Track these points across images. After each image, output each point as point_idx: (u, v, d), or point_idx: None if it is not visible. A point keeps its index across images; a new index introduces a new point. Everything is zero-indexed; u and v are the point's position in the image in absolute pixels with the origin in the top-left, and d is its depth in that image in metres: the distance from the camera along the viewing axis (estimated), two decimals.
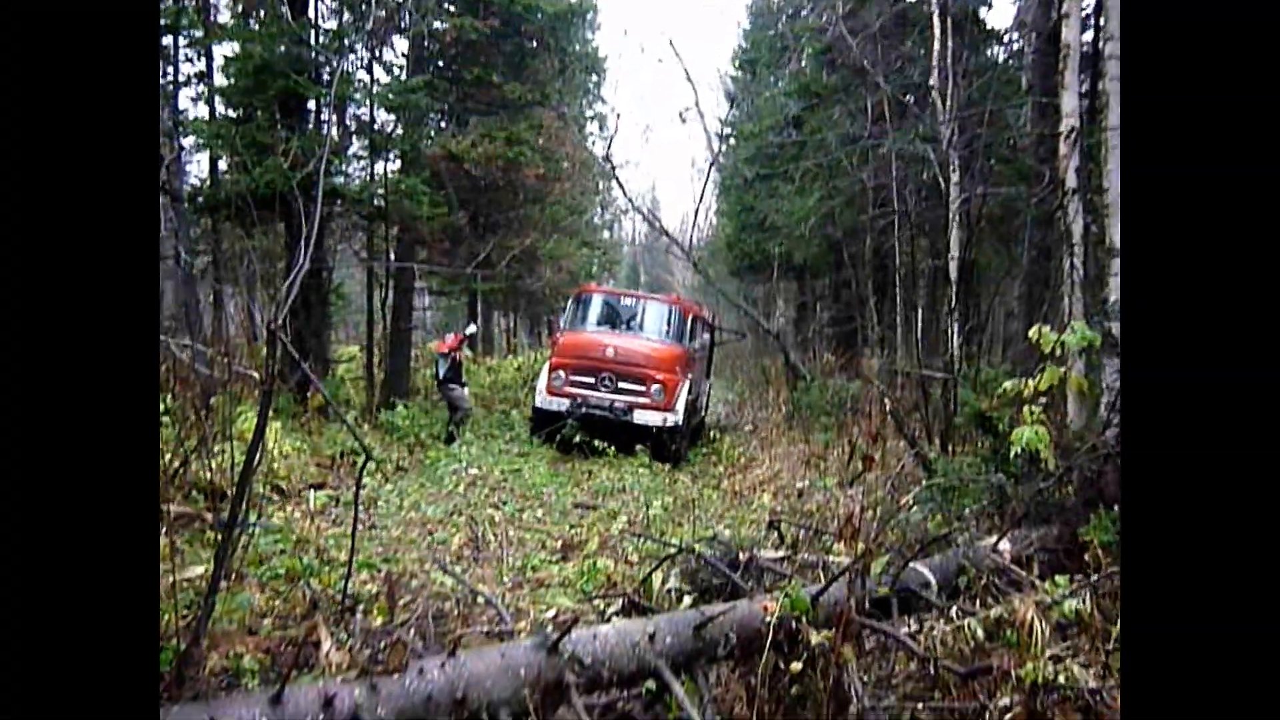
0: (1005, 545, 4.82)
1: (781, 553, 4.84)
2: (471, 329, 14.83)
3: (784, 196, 16.77)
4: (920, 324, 15.25)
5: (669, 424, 12.60)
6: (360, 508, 8.38)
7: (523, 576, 6.61)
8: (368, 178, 13.60)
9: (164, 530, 6.31)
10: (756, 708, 3.15)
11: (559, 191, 18.23)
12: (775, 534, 5.68)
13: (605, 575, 6.23)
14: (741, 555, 4.23)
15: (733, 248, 24.12)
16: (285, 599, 5.12)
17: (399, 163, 14.54)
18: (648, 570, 5.13)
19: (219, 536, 3.54)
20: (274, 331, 3.46)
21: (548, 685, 3.11)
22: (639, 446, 12.27)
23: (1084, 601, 3.52)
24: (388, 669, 3.01)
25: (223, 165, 14.85)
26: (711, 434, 15.83)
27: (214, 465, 6.26)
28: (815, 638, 3.09)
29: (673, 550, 4.79)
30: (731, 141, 23.90)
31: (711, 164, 19.36)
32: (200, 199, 14.11)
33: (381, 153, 14.07)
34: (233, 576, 5.43)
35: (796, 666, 3.22)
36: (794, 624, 3.32)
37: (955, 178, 11.99)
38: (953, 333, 11.54)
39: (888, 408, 9.16)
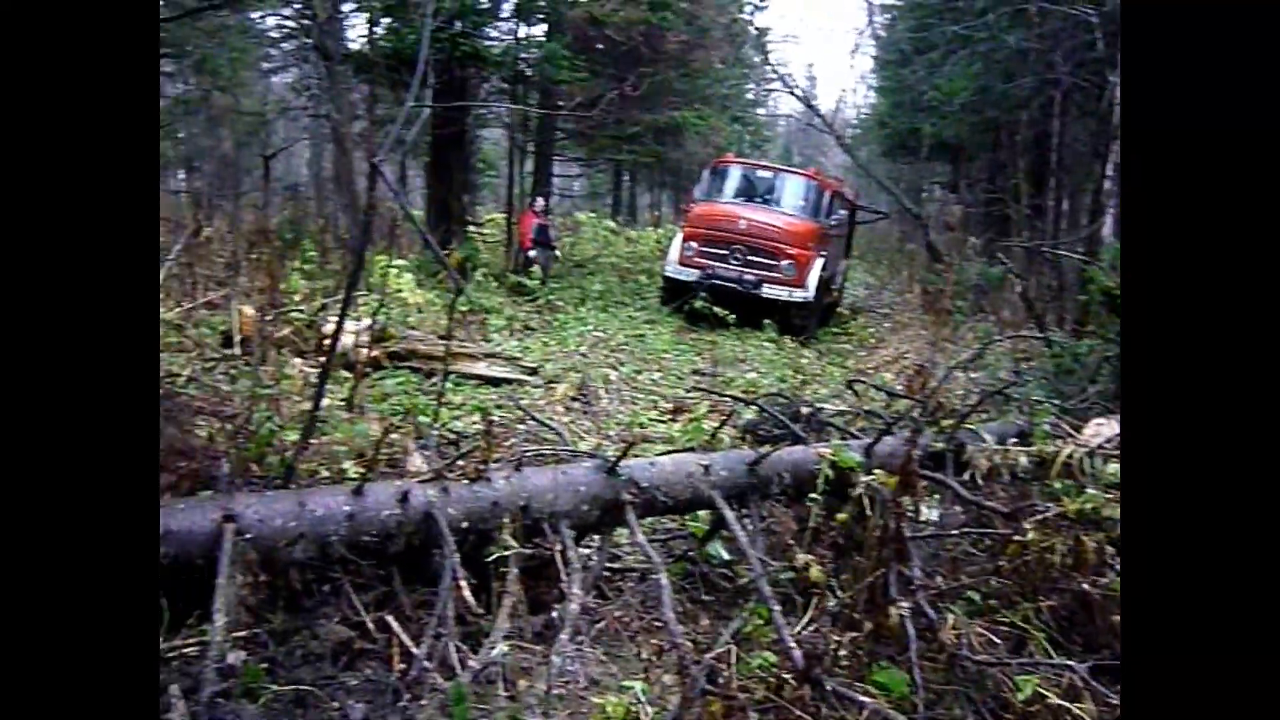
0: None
1: (843, 407, 4.91)
2: (540, 202, 14.99)
3: (942, 73, 15.93)
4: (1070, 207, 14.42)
5: (798, 299, 12.52)
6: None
7: (629, 431, 6.86)
8: (512, 41, 13.68)
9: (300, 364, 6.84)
10: (805, 542, 3.28)
11: (703, 60, 17.80)
12: (850, 393, 5.74)
13: (710, 434, 6.40)
14: (803, 410, 4.32)
15: (885, 126, 23.21)
16: (399, 431, 5.54)
17: (544, 27, 14.51)
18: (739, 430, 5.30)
19: (322, 370, 3.88)
20: (375, 166, 3.66)
21: (606, 503, 3.33)
22: (766, 321, 12.27)
23: None
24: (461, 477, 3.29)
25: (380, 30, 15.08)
26: (845, 314, 15.66)
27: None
28: (862, 482, 3.18)
29: (740, 401, 4.94)
30: (895, 12, 22.75)
31: (862, 33, 18.48)
32: (352, 61, 14.36)
33: (527, 16, 14.09)
34: (353, 409, 5.91)
35: (842, 517, 3.34)
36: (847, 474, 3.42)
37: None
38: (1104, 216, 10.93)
39: (1018, 289, 8.87)
